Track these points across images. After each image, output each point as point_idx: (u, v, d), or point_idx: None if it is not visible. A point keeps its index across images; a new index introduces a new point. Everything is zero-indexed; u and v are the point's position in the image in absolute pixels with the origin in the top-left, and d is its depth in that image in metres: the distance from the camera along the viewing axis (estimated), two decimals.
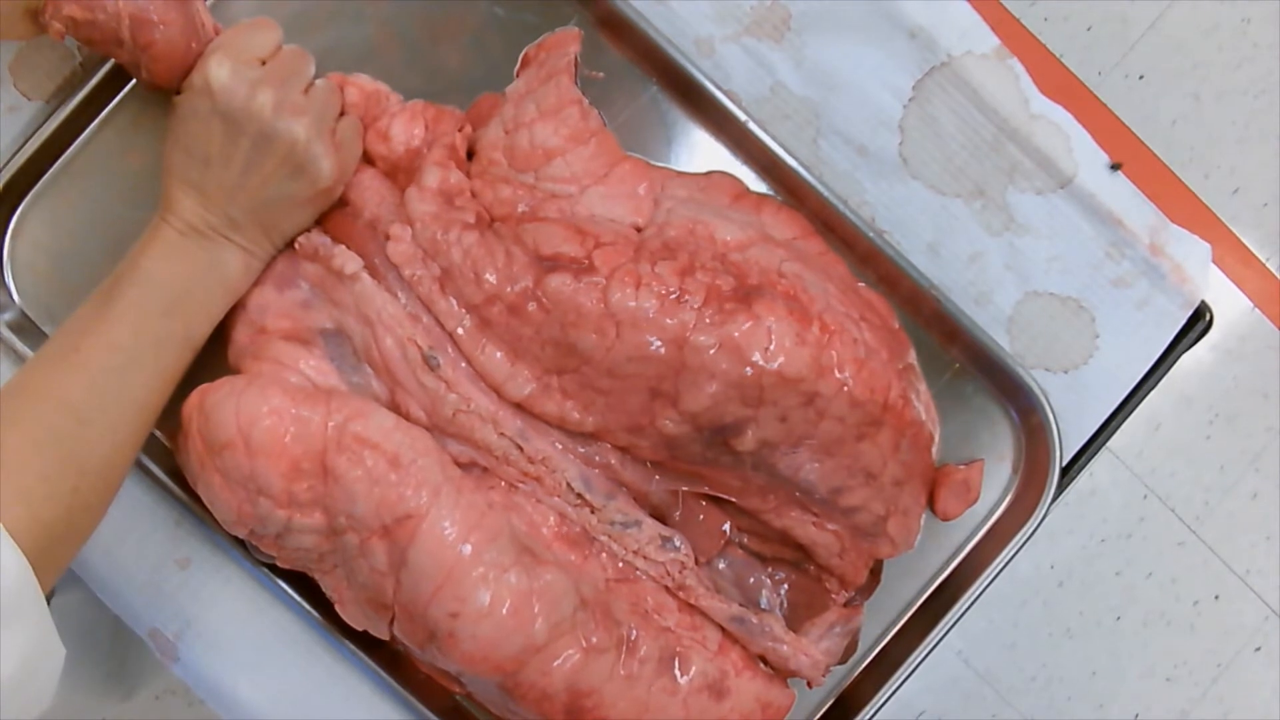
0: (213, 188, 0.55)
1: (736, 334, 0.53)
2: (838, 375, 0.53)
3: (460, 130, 0.60)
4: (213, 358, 0.60)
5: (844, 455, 0.57)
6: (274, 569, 0.61)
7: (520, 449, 0.58)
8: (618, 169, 0.58)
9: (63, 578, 0.64)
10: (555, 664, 0.54)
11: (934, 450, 0.64)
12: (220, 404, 0.54)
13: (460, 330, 0.57)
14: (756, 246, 0.57)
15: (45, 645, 0.48)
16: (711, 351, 0.53)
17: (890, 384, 0.57)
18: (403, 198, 0.58)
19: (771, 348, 0.53)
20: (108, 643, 0.83)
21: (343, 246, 0.58)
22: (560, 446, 0.59)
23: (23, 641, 0.46)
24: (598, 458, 0.60)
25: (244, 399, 0.53)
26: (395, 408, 0.58)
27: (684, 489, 0.61)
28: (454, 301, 0.57)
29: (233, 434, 0.53)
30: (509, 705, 0.58)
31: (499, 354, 0.57)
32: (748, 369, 0.53)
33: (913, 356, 0.63)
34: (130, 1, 0.53)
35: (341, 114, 0.58)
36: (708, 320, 0.53)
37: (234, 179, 0.54)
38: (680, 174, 0.62)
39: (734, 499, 0.60)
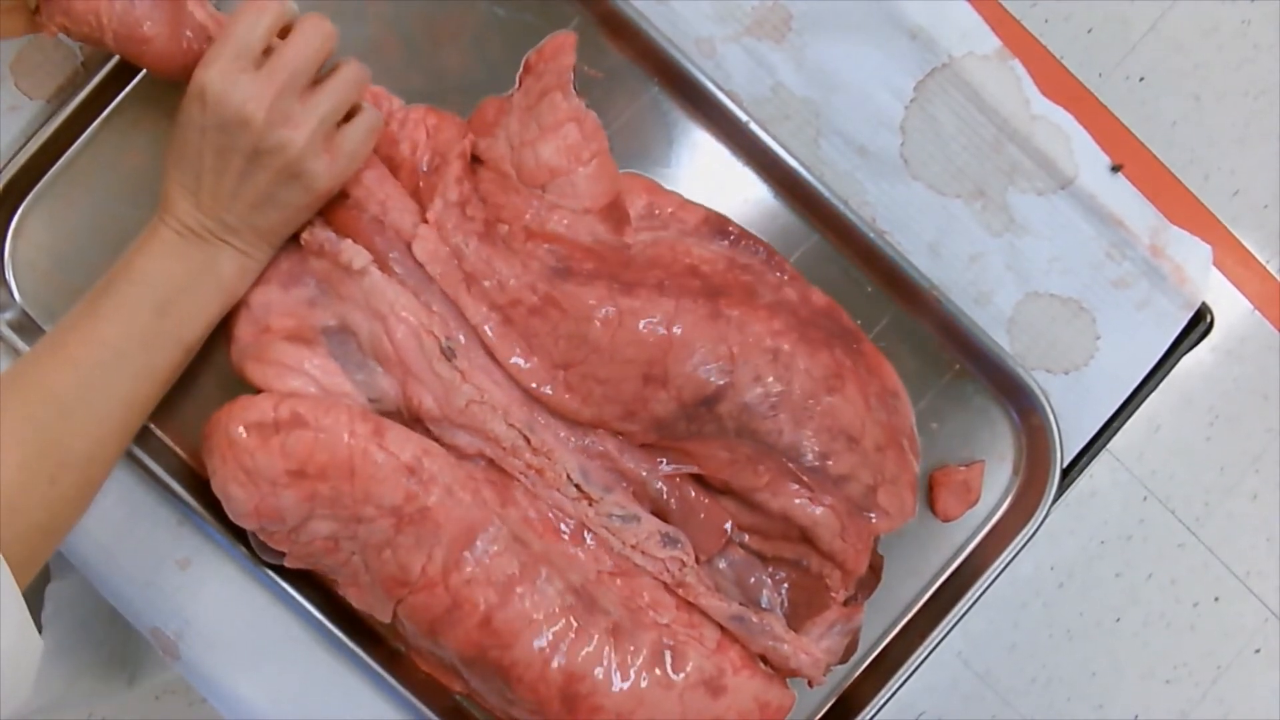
0: (207, 195, 0.54)
1: (707, 318, 0.59)
2: (788, 336, 0.60)
3: (464, 138, 0.60)
4: (214, 356, 0.61)
5: (821, 413, 0.59)
6: (275, 569, 0.61)
7: (527, 440, 0.60)
8: (615, 201, 0.61)
9: (60, 564, 0.64)
10: (549, 643, 0.57)
11: (908, 416, 0.64)
12: (254, 420, 0.56)
13: (483, 324, 0.59)
14: (721, 262, 0.62)
15: (22, 638, 0.48)
16: (690, 331, 0.59)
17: (833, 347, 0.61)
18: (413, 201, 0.60)
19: (732, 325, 0.59)
20: (106, 627, 0.83)
21: (349, 241, 0.58)
22: (562, 435, 0.61)
23: (4, 635, 0.46)
24: (597, 447, 0.61)
25: (278, 413, 0.56)
26: (406, 400, 0.59)
27: (678, 471, 0.62)
28: (476, 300, 0.59)
29: (266, 439, 0.55)
30: (508, 694, 0.59)
31: (516, 348, 0.59)
32: (718, 342, 0.59)
33: (865, 345, 0.64)
34: (114, 17, 0.53)
35: (358, 109, 0.57)
36: (685, 309, 0.59)
37: (229, 188, 0.54)
38: (686, 204, 0.63)
39: (727, 477, 0.61)
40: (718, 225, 0.63)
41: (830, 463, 0.60)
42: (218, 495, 0.57)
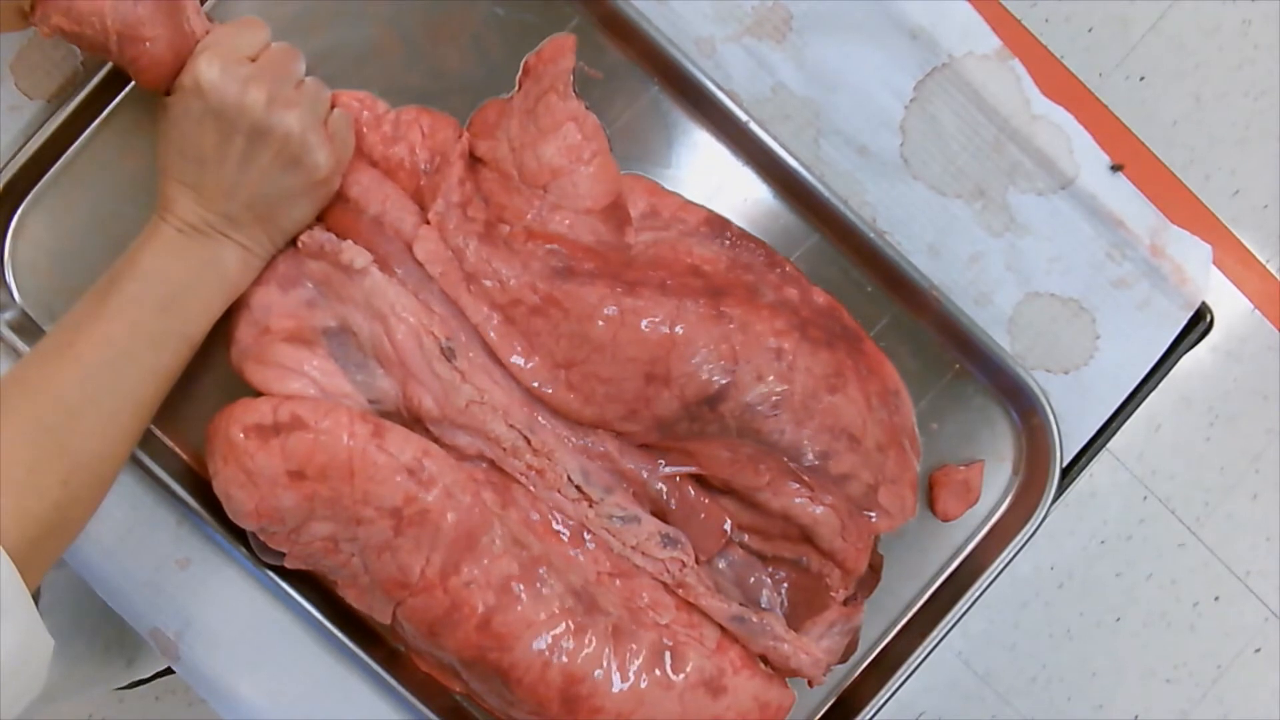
0: (209, 186, 0.55)
1: (709, 318, 0.59)
2: (789, 336, 0.60)
3: (459, 138, 0.60)
4: (214, 357, 0.61)
5: (822, 413, 0.59)
6: (275, 569, 0.61)
7: (527, 441, 0.60)
8: (616, 201, 0.61)
9: None
10: (548, 645, 0.57)
11: (909, 416, 0.64)
12: (256, 424, 0.56)
13: (484, 324, 0.59)
14: (723, 262, 0.62)
15: (32, 638, 0.48)
16: (692, 330, 0.59)
17: (835, 346, 0.61)
18: (413, 202, 0.60)
19: (734, 324, 0.59)
20: (102, 614, 0.83)
21: (350, 241, 0.58)
22: (562, 436, 0.61)
23: (9, 636, 0.46)
24: (598, 447, 0.61)
25: (279, 416, 0.56)
26: (406, 400, 0.59)
27: (679, 472, 0.62)
28: (477, 299, 0.59)
29: (266, 441, 0.55)
30: (508, 695, 0.59)
31: (516, 347, 0.60)
32: (720, 341, 0.59)
33: (867, 345, 0.64)
34: (118, 18, 0.53)
35: (332, 108, 0.58)
36: (688, 309, 0.59)
37: (230, 176, 0.54)
38: (687, 205, 0.63)
39: (727, 477, 0.61)
40: (719, 226, 0.63)
41: (831, 462, 0.60)
42: (219, 496, 0.57)
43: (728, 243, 0.63)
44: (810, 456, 0.60)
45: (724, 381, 0.59)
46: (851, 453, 0.60)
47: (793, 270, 0.64)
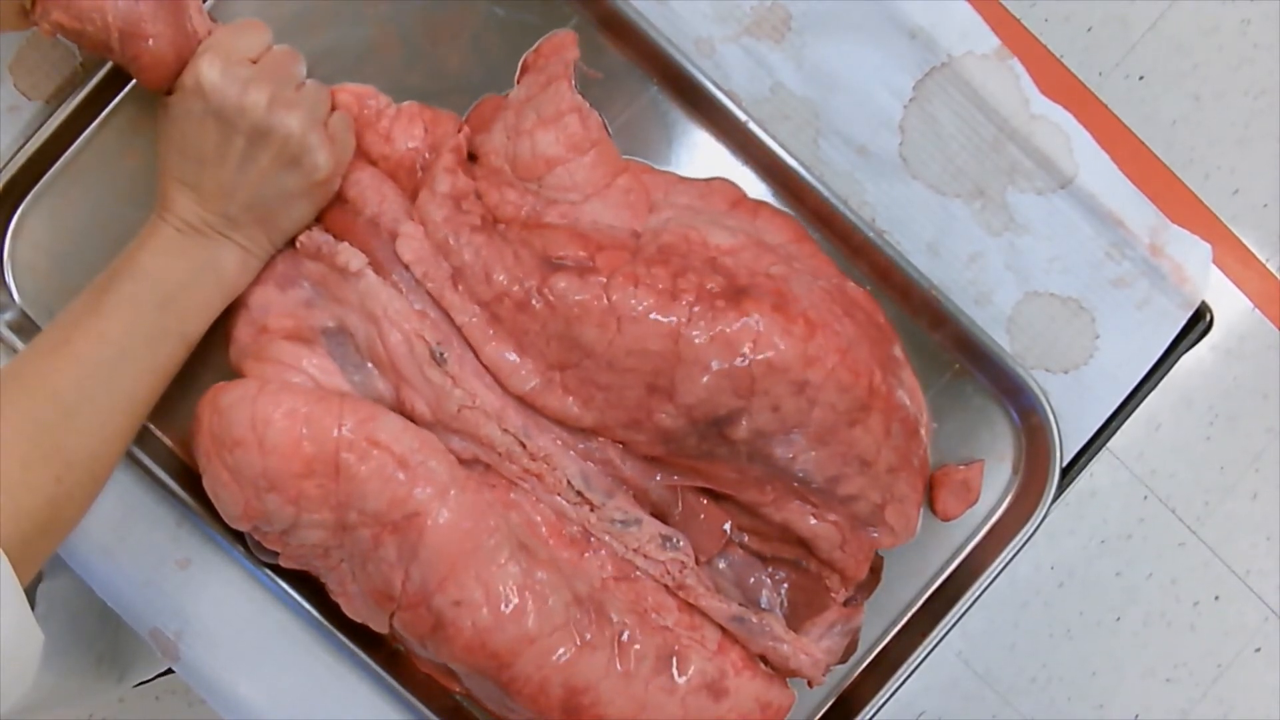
0: (209, 186, 0.55)
1: (726, 329, 0.55)
2: (823, 363, 0.56)
3: (459, 132, 0.60)
4: (213, 356, 0.61)
5: (838, 442, 0.57)
6: (274, 569, 0.61)
7: (523, 445, 0.59)
8: (617, 182, 0.59)
9: (52, 564, 0.64)
10: (549, 658, 0.55)
11: (925, 436, 0.64)
12: (235, 404, 0.54)
13: (469, 323, 0.58)
14: (747, 251, 0.59)
15: (22, 631, 0.48)
16: (703, 345, 0.55)
17: (873, 370, 0.58)
18: (407, 198, 0.59)
19: (758, 341, 0.55)
20: (96, 627, 0.83)
21: (346, 244, 0.58)
22: (561, 443, 0.59)
23: (6, 629, 0.46)
24: (597, 453, 0.60)
25: (259, 401, 0.54)
26: (400, 404, 0.58)
27: (682, 483, 0.61)
28: (464, 297, 0.58)
29: (246, 433, 0.54)
30: (507, 703, 0.58)
31: (506, 349, 0.58)
32: (738, 360, 0.55)
33: (898, 349, 0.63)
34: (120, 15, 0.53)
35: (332, 110, 0.58)
36: (699, 316, 0.55)
37: (230, 176, 0.54)
38: (682, 180, 0.62)
39: (733, 493, 0.60)
40: (724, 192, 0.62)
41: (840, 485, 0.59)
42: (210, 497, 0.57)
43: (733, 207, 0.60)
44: (819, 481, 0.58)
45: (736, 407, 0.56)
46: (861, 475, 0.59)
47: (822, 256, 0.61)
